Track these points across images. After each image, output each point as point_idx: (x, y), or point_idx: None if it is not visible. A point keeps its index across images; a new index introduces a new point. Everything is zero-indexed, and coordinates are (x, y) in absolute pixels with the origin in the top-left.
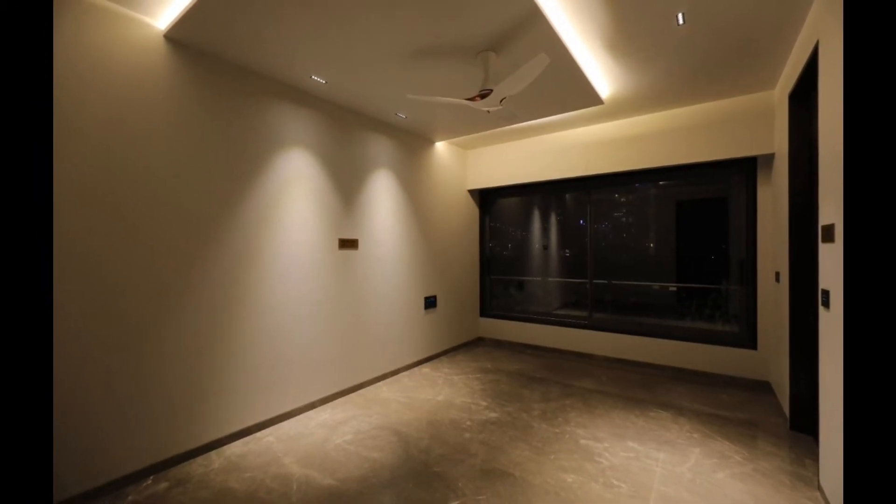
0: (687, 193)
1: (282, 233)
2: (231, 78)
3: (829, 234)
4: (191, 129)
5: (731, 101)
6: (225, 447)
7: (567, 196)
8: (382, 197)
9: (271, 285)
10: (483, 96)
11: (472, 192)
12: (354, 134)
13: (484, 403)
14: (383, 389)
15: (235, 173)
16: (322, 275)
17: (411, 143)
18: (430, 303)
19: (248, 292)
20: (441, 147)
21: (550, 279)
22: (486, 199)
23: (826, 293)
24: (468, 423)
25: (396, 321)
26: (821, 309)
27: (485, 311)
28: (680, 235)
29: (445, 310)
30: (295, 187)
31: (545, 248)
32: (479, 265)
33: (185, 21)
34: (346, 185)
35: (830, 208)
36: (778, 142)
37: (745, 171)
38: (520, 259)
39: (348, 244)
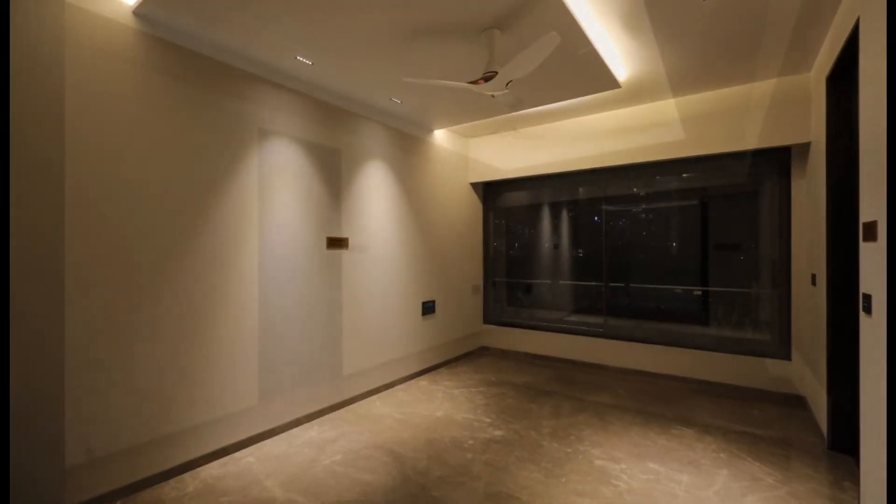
0: (713, 187)
1: (264, 231)
2: (209, 59)
3: (870, 231)
4: (163, 116)
5: (761, 84)
6: (200, 468)
7: (580, 189)
8: (376, 190)
9: (252, 289)
10: (487, 79)
11: (474, 185)
12: (344, 122)
13: (488, 420)
14: (377, 404)
15: (212, 165)
16: (308, 277)
17: (408, 132)
18: (429, 308)
19: (226, 296)
20: (440, 136)
21: (561, 282)
22: (491, 193)
23: (868, 297)
24: (470, 441)
25: (391, 329)
26: (862, 315)
27: (489, 318)
28: (705, 233)
29: (445, 316)
30: (279, 181)
31: (556, 247)
32: (482, 266)
33: None
34: (336, 178)
35: (872, 203)
36: (815, 130)
37: (778, 162)
38: (527, 260)
39: (338, 243)
